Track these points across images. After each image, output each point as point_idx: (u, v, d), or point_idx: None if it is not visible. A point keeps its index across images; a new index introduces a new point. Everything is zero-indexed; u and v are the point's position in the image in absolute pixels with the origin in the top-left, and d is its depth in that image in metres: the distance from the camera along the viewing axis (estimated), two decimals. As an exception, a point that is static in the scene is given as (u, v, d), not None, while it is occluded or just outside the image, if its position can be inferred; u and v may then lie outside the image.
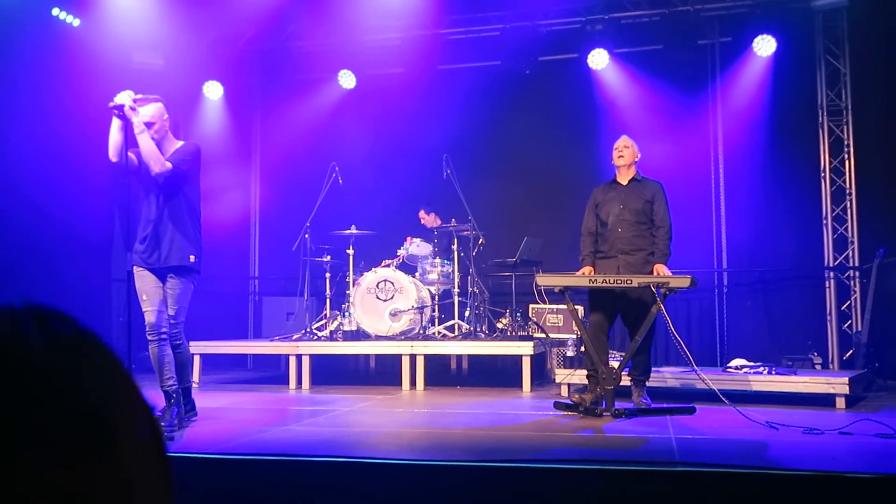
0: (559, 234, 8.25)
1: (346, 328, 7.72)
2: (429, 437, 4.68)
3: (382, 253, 8.26)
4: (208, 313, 8.42)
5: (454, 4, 8.94)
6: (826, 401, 5.67)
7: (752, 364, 6.24)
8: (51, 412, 0.48)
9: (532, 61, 8.87)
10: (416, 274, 8.13)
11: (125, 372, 0.55)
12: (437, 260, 8.15)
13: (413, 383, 7.15)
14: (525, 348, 6.99)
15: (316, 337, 7.90)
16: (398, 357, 7.27)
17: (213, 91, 9.68)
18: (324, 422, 5.29)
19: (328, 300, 8.21)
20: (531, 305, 8.01)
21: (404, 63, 9.22)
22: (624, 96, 8.86)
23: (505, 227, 8.80)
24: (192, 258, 4.87)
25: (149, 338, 4.83)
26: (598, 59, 8.68)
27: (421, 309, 7.70)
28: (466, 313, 7.86)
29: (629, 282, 5.31)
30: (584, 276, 5.54)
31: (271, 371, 8.78)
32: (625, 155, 5.75)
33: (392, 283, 7.74)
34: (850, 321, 8.13)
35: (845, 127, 8.34)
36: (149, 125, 4.75)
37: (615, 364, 5.41)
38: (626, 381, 5.61)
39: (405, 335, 7.62)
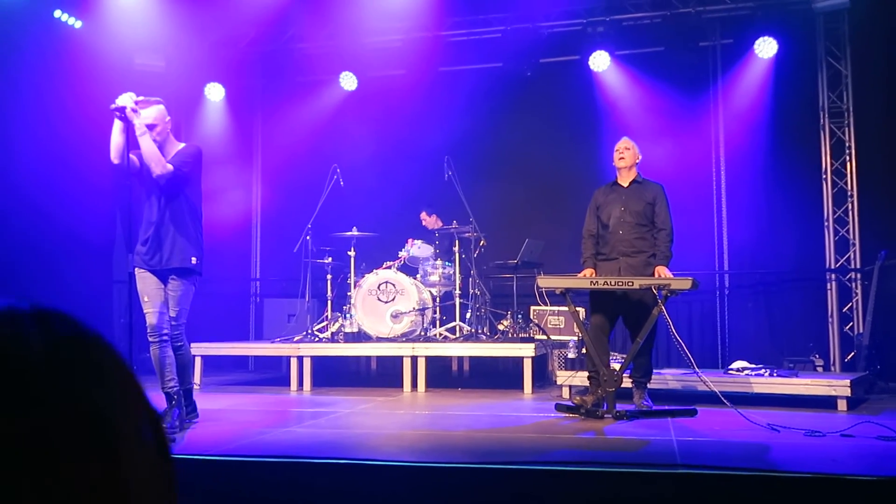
0: (560, 235, 8.24)
1: (348, 330, 7.72)
2: (430, 438, 4.68)
3: (384, 255, 8.26)
4: (210, 315, 8.43)
5: (455, 6, 8.94)
6: (827, 403, 5.67)
7: (753, 366, 6.23)
8: (51, 412, 0.48)
9: (533, 63, 8.87)
10: (418, 276, 8.13)
11: (129, 372, 0.55)
12: (439, 262, 8.14)
13: (414, 385, 7.15)
14: (526, 350, 6.99)
15: (317, 338, 7.90)
16: (399, 359, 7.27)
17: (215, 93, 9.69)
18: (325, 423, 5.28)
19: (329, 302, 8.21)
20: (532, 307, 8.02)
21: (406, 65, 9.22)
22: (625, 98, 8.86)
23: (506, 229, 8.80)
24: (193, 260, 4.87)
25: (150, 339, 4.83)
26: (600, 61, 8.69)
27: (422, 310, 7.70)
28: (468, 315, 7.86)
29: (630, 284, 5.30)
30: (585, 278, 5.54)
31: (273, 373, 8.78)
32: (626, 157, 5.74)
33: (393, 285, 7.74)
34: (851, 323, 8.12)
35: (847, 129, 8.33)
36: (150, 127, 4.75)
37: (616, 366, 5.40)
38: (627, 383, 5.60)
39: (406, 337, 7.62)
